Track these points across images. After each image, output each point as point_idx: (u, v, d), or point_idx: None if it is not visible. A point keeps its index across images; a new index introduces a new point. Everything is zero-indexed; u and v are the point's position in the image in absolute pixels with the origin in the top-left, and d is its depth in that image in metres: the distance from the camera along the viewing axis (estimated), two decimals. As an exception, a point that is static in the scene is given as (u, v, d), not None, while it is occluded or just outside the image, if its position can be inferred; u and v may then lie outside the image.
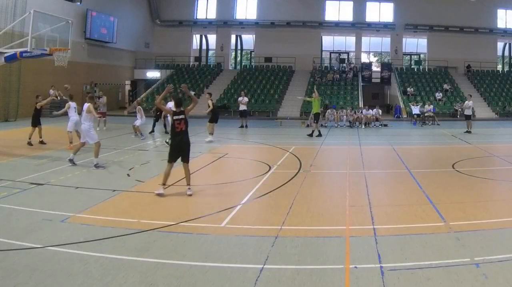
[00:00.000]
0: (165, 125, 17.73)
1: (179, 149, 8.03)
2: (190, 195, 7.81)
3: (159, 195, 7.72)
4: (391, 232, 5.90)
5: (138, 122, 16.02)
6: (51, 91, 24.03)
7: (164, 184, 7.89)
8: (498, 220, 6.39)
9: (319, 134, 17.30)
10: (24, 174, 9.29)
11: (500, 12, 34.97)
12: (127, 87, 35.42)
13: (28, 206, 6.87)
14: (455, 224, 6.14)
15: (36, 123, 13.81)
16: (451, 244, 5.41)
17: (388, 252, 5.16)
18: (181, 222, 6.25)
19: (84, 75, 28.39)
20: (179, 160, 8.07)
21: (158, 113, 17.83)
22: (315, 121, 17.76)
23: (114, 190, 8.02)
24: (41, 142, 13.74)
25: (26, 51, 12.59)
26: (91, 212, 6.70)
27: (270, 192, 8.13)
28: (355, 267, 4.75)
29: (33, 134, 13.60)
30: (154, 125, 17.86)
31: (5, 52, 12.91)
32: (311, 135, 17.25)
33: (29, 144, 13.38)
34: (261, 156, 12.86)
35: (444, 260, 4.86)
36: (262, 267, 4.73)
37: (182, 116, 7.99)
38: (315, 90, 18.82)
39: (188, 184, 7.95)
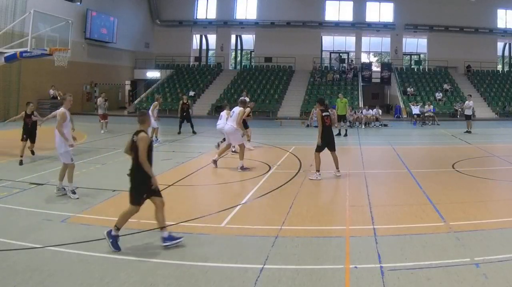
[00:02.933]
0: (192, 126, 17.82)
1: (328, 140, 9.48)
2: (339, 176, 9.39)
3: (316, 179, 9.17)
4: (391, 232, 5.89)
5: (155, 123, 14.89)
6: (51, 91, 24.13)
7: (317, 171, 9.30)
8: (498, 220, 6.39)
9: (346, 134, 17.91)
10: (24, 174, 9.30)
11: (500, 12, 34.95)
12: (127, 87, 35.43)
13: (28, 206, 6.87)
14: (455, 224, 6.13)
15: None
16: (451, 244, 5.41)
17: (388, 252, 5.15)
18: (181, 222, 6.24)
19: (84, 75, 28.41)
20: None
21: (184, 113, 17.94)
22: (339, 121, 18.14)
23: (114, 190, 8.01)
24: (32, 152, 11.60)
25: (26, 51, 12.59)
26: (91, 212, 6.70)
27: (270, 192, 8.12)
28: (355, 267, 4.74)
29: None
30: (180, 127, 17.96)
31: (5, 52, 12.92)
32: (339, 134, 17.81)
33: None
34: (261, 156, 12.84)
35: (444, 260, 4.85)
36: (262, 267, 4.73)
37: (328, 113, 9.54)
38: (340, 94, 19.78)
39: (337, 168, 9.54)
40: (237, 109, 10.53)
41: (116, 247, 5.12)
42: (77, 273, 4.56)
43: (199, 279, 4.50)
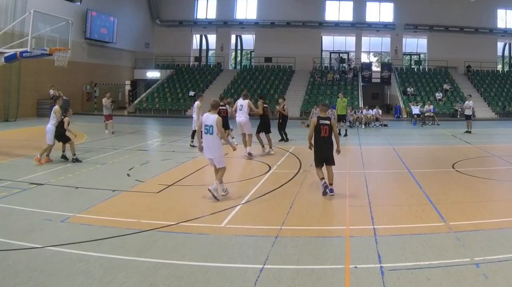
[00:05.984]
0: (285, 133, 15.76)
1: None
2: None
3: None
4: (391, 232, 5.89)
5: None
6: (51, 91, 24.12)
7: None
8: (498, 220, 6.38)
9: (345, 134, 17.81)
10: (24, 174, 9.29)
11: (500, 12, 34.97)
12: (127, 87, 35.44)
13: (28, 206, 6.87)
14: (455, 224, 6.13)
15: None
16: (451, 244, 5.41)
17: (388, 252, 5.15)
18: (181, 222, 6.24)
19: (84, 75, 28.43)
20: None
21: (280, 120, 15.70)
22: (338, 121, 18.16)
23: (114, 190, 8.02)
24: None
25: (26, 51, 12.56)
26: (91, 212, 6.69)
27: (270, 192, 8.12)
28: (355, 267, 4.74)
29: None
30: (285, 134, 15.71)
31: (5, 52, 12.90)
32: (339, 134, 17.58)
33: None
34: (261, 156, 12.84)
35: (444, 260, 4.85)
36: (262, 267, 4.73)
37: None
38: (340, 94, 19.55)
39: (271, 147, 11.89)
40: (245, 102, 12.30)
41: None
42: (77, 273, 4.56)
43: (199, 279, 4.50)
